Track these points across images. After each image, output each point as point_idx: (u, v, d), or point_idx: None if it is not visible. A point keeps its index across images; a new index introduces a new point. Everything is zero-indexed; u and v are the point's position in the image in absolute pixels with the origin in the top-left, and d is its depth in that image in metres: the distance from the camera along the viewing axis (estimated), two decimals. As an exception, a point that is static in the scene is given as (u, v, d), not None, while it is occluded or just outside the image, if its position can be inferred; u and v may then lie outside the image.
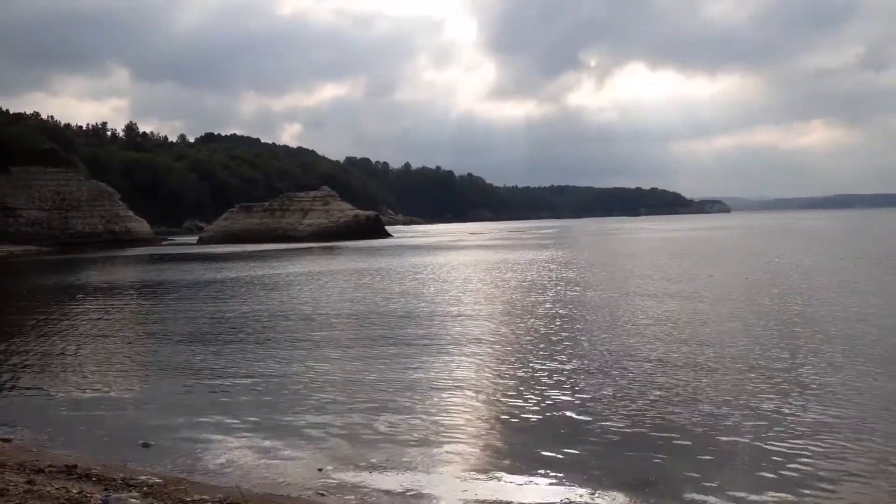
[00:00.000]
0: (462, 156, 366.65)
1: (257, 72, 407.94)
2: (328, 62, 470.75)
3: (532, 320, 15.94)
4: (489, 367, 11.46)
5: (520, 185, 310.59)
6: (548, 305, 18.25)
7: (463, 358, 12.07)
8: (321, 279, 28.47)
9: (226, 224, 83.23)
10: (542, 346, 13.02)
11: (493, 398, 9.62)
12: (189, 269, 37.28)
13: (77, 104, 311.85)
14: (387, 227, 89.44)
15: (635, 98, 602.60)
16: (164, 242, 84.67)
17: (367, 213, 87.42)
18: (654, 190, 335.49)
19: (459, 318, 16.57)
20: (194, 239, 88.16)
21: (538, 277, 26.03)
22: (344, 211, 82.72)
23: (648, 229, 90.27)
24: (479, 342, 13.50)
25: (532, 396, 9.57)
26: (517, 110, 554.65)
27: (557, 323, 15.54)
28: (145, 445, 7.99)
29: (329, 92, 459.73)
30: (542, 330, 14.65)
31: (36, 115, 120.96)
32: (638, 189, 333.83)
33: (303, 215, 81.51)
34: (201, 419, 8.93)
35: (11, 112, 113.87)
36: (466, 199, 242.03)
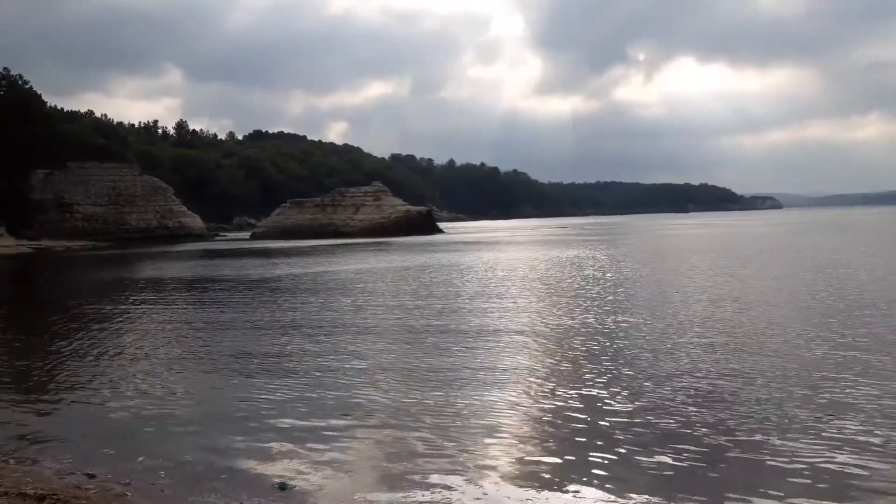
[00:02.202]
0: (507, 152, 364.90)
1: (305, 71, 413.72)
2: (374, 60, 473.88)
3: (595, 321, 14.26)
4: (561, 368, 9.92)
5: (565, 182, 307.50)
6: (610, 305, 16.47)
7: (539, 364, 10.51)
8: (389, 276, 27.12)
9: (278, 220, 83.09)
10: (606, 348, 11.58)
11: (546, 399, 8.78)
12: (248, 264, 36.40)
13: (132, 104, 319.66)
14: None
15: (684, 92, 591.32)
16: (217, 238, 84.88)
17: (418, 208, 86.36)
18: (703, 186, 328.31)
19: (540, 317, 14.99)
20: (246, 234, 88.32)
21: (599, 275, 24.23)
22: (395, 206, 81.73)
23: (707, 225, 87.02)
24: (557, 345, 11.92)
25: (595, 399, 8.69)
26: (563, 106, 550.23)
27: (617, 324, 13.90)
28: (282, 487, 6.14)
29: (375, 90, 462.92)
30: (607, 332, 13.00)
31: (90, 113, 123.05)
32: (686, 185, 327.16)
33: (354, 211, 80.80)
34: (326, 447, 7.36)
35: (66, 111, 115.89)
36: (511, 196, 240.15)
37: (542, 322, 14.32)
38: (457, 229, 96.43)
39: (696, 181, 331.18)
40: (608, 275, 24.43)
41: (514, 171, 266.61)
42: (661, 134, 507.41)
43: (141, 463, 6.86)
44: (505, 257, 36.04)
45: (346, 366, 10.88)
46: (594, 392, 9.04)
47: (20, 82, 77.00)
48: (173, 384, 10.17)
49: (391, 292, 21.10)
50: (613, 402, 8.57)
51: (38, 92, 79.72)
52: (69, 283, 31.54)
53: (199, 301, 20.69)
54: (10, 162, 69.90)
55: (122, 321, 16.80)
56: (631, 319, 14.41)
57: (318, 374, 10.44)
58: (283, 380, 10.11)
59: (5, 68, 77.03)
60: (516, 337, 12.84)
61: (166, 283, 27.76)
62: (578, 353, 11.41)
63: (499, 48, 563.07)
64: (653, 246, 45.80)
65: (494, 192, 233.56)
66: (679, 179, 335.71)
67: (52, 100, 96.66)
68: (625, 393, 8.94)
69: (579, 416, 8.08)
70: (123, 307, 19.60)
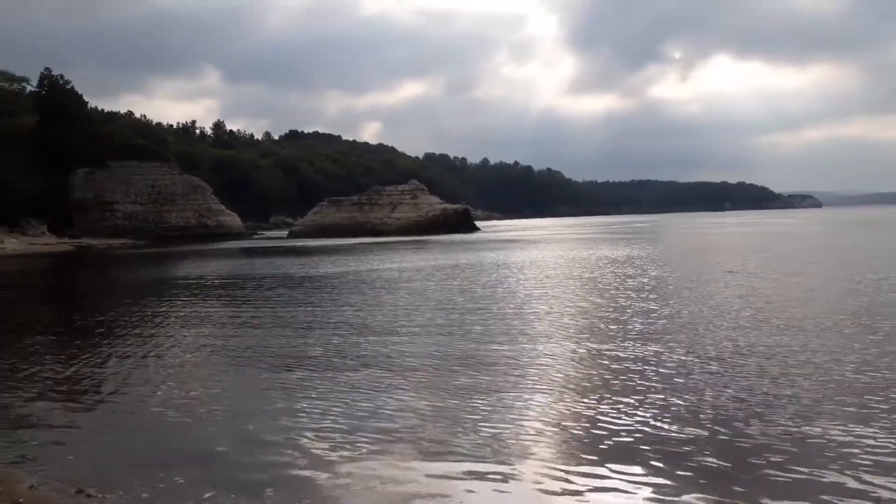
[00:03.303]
0: (541, 151, 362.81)
1: (340, 71, 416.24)
2: (409, 61, 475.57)
3: (645, 323, 13.14)
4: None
5: (599, 180, 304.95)
6: (657, 306, 15.24)
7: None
8: (438, 274, 26.30)
9: (315, 218, 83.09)
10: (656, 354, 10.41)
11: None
12: (289, 262, 35.88)
13: (171, 105, 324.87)
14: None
15: (720, 90, 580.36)
16: (255, 236, 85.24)
17: (455, 206, 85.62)
18: (740, 184, 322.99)
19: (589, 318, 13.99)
20: (284, 233, 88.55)
21: (644, 275, 23.07)
22: (433, 205, 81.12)
23: (746, 223, 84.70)
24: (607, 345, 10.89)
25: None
26: (597, 104, 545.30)
27: (665, 325, 12.80)
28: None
29: (409, 90, 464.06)
30: (656, 335, 11.86)
31: (130, 113, 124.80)
32: (723, 183, 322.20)
33: (391, 209, 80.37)
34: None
35: (106, 111, 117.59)
36: (545, 194, 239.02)
37: (599, 326, 13.31)
38: (493, 227, 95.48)
39: (732, 179, 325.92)
40: (666, 275, 23.32)
41: (548, 169, 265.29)
42: (697, 132, 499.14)
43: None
44: (550, 255, 34.95)
45: (393, 367, 10.06)
46: (654, 398, 8.06)
47: (61, 82, 77.97)
48: (212, 386, 9.50)
49: (442, 291, 20.24)
50: (677, 410, 7.61)
51: (80, 92, 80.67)
52: (112, 281, 31.37)
53: (242, 299, 20.07)
54: (52, 161, 70.84)
55: (164, 319, 16.22)
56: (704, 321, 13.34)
57: (363, 375, 9.64)
58: (327, 384, 9.35)
59: (47, 69, 78.24)
60: (576, 339, 11.89)
61: (209, 280, 27.28)
62: (640, 355, 10.41)
63: (533, 47, 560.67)
64: (707, 244, 44.33)
65: (528, 191, 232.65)
66: (715, 178, 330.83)
67: (92, 101, 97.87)
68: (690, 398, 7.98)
69: (644, 427, 7.14)
70: (168, 305, 19.09)
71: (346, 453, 6.61)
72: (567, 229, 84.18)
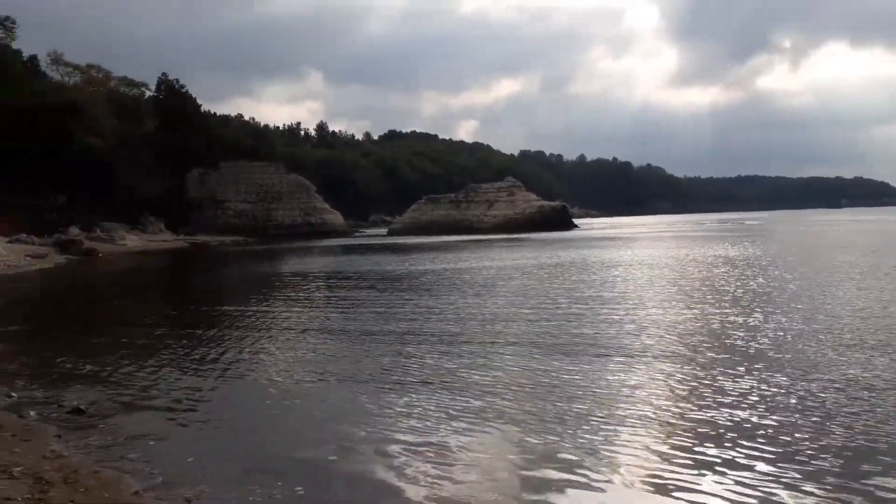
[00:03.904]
0: (640, 146, 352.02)
1: (437, 71, 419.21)
2: (505, 58, 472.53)
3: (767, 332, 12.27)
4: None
5: (702, 176, 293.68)
6: (778, 312, 14.27)
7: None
8: (538, 273, 26.14)
9: (413, 216, 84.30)
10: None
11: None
12: (392, 259, 36.60)
13: (278, 108, 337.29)
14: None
15: (834, 80, 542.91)
16: (356, 234, 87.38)
17: (552, 203, 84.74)
18: (857, 179, 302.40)
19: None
20: (382, 231, 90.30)
21: (762, 276, 21.92)
22: (529, 202, 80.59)
23: (867, 221, 79.17)
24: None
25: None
26: (701, 97, 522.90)
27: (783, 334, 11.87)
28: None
29: (505, 88, 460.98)
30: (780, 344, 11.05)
31: (239, 116, 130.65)
32: (838, 178, 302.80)
33: (488, 206, 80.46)
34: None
35: (218, 115, 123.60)
36: (644, 191, 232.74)
37: (718, 339, 12.74)
38: (591, 225, 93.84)
39: (848, 174, 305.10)
40: (789, 276, 22.22)
41: (648, 165, 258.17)
42: (808, 125, 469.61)
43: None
44: (656, 254, 34.00)
45: (497, 369, 10.03)
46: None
47: (177, 87, 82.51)
48: (320, 386, 9.63)
49: (544, 291, 20.09)
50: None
51: (194, 96, 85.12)
52: (225, 276, 32.97)
53: (354, 296, 20.65)
54: (169, 162, 75.23)
55: (273, 313, 16.89)
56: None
57: (464, 379, 9.59)
58: (428, 388, 9.25)
59: (164, 74, 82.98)
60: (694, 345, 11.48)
61: (318, 276, 28.27)
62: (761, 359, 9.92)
63: (632, 41, 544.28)
64: (827, 242, 41.94)
65: (627, 188, 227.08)
66: (829, 173, 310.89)
67: (206, 105, 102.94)
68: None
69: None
70: (278, 298, 19.91)
71: (443, 459, 6.43)
72: (670, 227, 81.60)
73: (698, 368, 9.53)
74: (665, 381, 8.93)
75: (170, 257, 49.39)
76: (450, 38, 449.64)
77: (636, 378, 9.12)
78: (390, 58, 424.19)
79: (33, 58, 70.87)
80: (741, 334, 11.84)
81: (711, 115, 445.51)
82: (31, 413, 7.92)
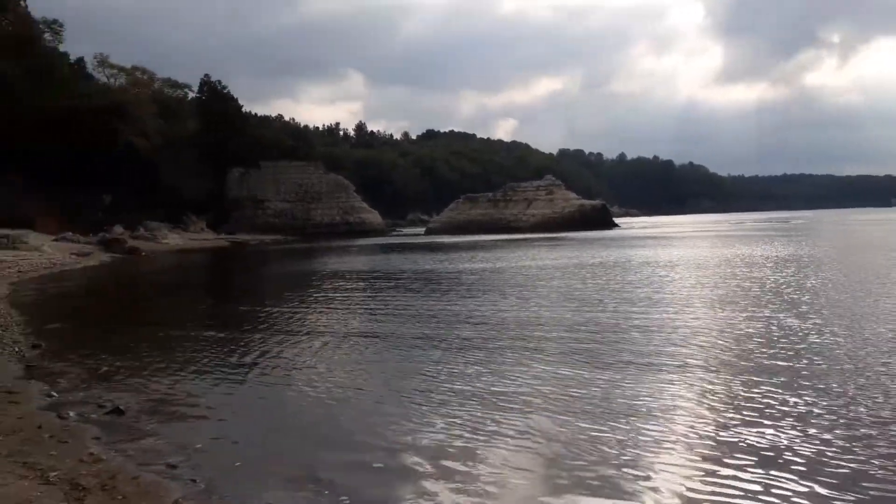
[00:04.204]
0: (682, 145, 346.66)
1: (476, 71, 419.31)
2: (544, 57, 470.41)
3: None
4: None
5: (746, 175, 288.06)
6: (837, 318, 13.46)
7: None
8: (580, 272, 25.59)
9: (451, 215, 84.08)
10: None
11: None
12: (432, 258, 36.32)
13: (317, 108, 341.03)
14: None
15: (884, 75, 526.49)
16: (394, 233, 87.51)
17: (592, 202, 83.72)
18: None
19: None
20: (420, 230, 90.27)
21: (816, 277, 21.02)
22: (569, 200, 79.70)
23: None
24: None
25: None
26: (746, 95, 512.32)
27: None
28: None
29: (544, 87, 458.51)
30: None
31: (280, 117, 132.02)
32: (888, 177, 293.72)
33: (526, 205, 79.83)
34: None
35: (258, 115, 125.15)
36: (687, 190, 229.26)
37: (779, 347, 12.16)
38: (631, 224, 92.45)
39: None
40: (844, 278, 21.34)
41: (691, 163, 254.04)
42: (857, 122, 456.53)
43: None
44: (701, 253, 33.12)
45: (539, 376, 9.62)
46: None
47: (219, 88, 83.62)
48: (368, 387, 9.37)
49: (590, 291, 19.59)
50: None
51: (235, 97, 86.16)
52: (267, 274, 33.03)
53: (394, 297, 20.41)
54: (211, 162, 76.30)
55: (318, 311, 16.74)
56: None
57: (512, 388, 9.21)
58: (476, 395, 8.93)
59: (206, 75, 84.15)
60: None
61: (361, 275, 28.18)
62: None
63: (674, 38, 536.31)
64: (883, 243, 40.49)
65: (668, 187, 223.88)
66: (879, 171, 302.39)
67: (247, 106, 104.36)
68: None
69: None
70: (322, 296, 19.78)
71: (492, 469, 6.20)
72: (713, 226, 79.95)
73: (749, 381, 8.86)
74: (712, 396, 8.28)
75: (211, 256, 49.93)
76: (489, 38, 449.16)
77: (683, 392, 8.52)
78: (430, 58, 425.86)
79: (80, 60, 72.41)
80: (795, 343, 11.21)
81: (757, 112, 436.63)
82: (71, 413, 7.78)
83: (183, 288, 27.57)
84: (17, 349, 12.14)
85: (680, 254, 33.05)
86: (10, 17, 57.07)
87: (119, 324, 16.48)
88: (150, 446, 6.87)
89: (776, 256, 29.26)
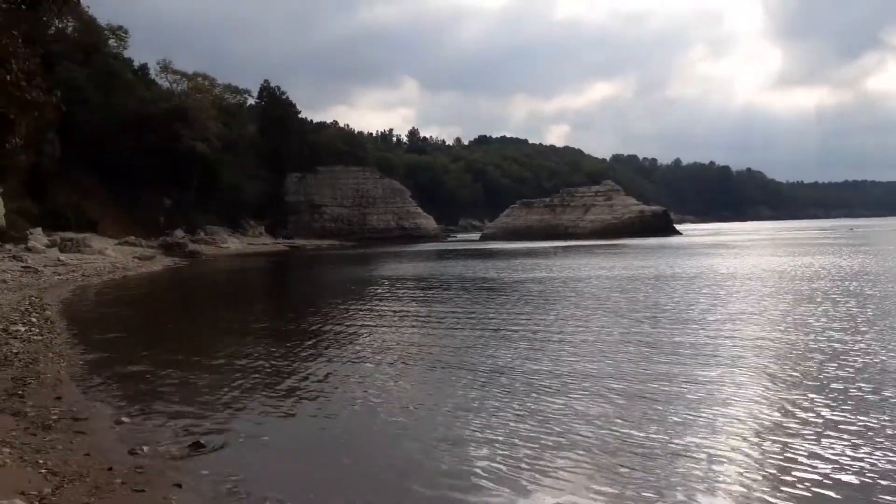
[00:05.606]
0: (740, 151, 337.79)
1: (529, 76, 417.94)
2: (599, 62, 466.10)
3: None
4: None
5: (806, 181, 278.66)
6: None
7: None
8: (661, 286, 24.08)
9: (507, 220, 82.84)
10: None
11: None
12: (493, 266, 35.24)
13: (371, 114, 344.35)
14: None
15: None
16: (449, 238, 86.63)
17: (653, 208, 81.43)
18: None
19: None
20: (474, 235, 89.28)
21: None
22: (628, 206, 77.60)
23: None
24: None
25: None
26: (806, 99, 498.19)
27: None
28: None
29: (598, 92, 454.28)
30: None
31: (335, 123, 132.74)
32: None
33: (584, 211, 78.04)
34: None
35: (315, 122, 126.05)
36: (744, 196, 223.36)
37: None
38: (691, 231, 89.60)
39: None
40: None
41: (749, 169, 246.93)
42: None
43: None
44: (783, 263, 31.12)
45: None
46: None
47: (278, 94, 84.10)
48: (414, 394, 8.38)
49: (679, 310, 18.16)
50: None
51: (293, 103, 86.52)
52: (326, 281, 32.39)
53: (455, 308, 19.33)
54: (270, 167, 76.73)
55: (375, 320, 15.78)
56: None
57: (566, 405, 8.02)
58: (526, 407, 7.85)
59: (266, 81, 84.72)
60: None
61: (421, 283, 27.17)
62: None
63: (732, 42, 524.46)
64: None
65: (724, 193, 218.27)
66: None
67: (304, 112, 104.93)
68: None
69: None
70: (379, 304, 18.84)
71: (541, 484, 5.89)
72: (777, 233, 76.76)
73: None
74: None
75: (269, 261, 49.78)
76: (544, 44, 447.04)
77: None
78: (483, 64, 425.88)
79: (144, 66, 73.67)
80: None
81: (817, 117, 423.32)
82: (144, 449, 6.88)
83: (246, 294, 27.10)
84: (80, 361, 11.53)
85: (760, 263, 31.10)
86: (77, 25, 58.17)
87: (184, 335, 15.80)
88: (240, 491, 5.89)
89: (859, 270, 27.16)
